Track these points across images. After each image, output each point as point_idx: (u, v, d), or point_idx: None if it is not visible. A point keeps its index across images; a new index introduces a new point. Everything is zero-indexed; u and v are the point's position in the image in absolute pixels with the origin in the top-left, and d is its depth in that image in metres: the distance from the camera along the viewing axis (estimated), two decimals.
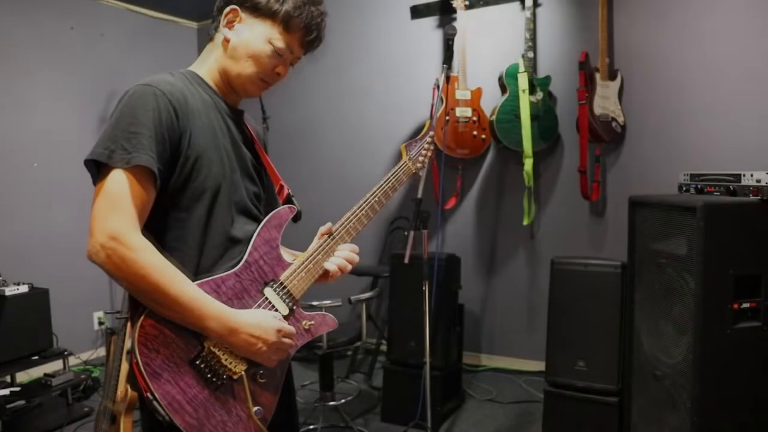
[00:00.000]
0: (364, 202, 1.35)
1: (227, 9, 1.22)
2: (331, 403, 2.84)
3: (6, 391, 2.94)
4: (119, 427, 2.22)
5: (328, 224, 1.32)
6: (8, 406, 2.90)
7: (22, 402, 2.99)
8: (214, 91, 1.25)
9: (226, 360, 1.12)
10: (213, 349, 1.10)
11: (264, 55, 1.21)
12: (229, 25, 1.22)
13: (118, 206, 1.03)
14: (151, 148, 1.06)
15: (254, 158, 1.32)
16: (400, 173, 1.44)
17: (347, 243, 1.34)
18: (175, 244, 1.14)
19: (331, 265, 1.30)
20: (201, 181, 1.15)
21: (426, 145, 1.52)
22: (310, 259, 1.27)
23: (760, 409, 1.90)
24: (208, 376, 1.10)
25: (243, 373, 1.14)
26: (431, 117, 3.17)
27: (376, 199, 1.37)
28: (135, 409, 2.27)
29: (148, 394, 1.04)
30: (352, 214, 1.33)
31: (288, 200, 1.36)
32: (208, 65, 1.26)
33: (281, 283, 1.22)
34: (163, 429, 1.07)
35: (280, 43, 1.22)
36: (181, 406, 1.06)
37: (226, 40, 1.22)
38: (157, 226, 1.13)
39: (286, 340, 1.17)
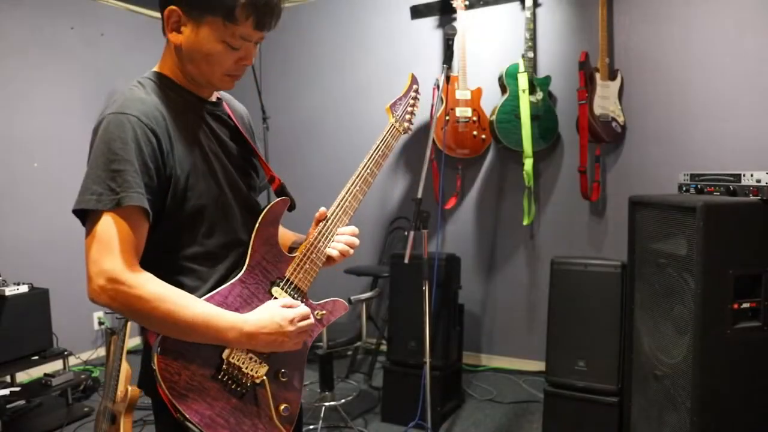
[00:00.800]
0: (357, 177, 1.32)
1: (166, 11, 1.09)
2: (331, 403, 2.84)
3: (6, 391, 2.94)
4: (119, 427, 2.22)
5: (322, 209, 1.29)
6: (8, 406, 2.90)
7: (22, 402, 2.99)
8: (186, 89, 1.18)
9: (246, 368, 1.12)
10: (232, 360, 1.11)
11: (220, 55, 1.11)
12: (174, 26, 1.11)
13: (111, 249, 1.01)
14: (138, 184, 1.02)
15: (242, 148, 1.28)
16: (388, 138, 1.40)
17: (346, 226, 1.31)
18: (188, 263, 1.14)
19: (333, 251, 1.29)
20: (197, 197, 1.13)
21: (411, 101, 1.47)
22: (311, 248, 1.25)
23: (760, 409, 1.90)
24: (233, 386, 1.11)
25: (264, 376, 1.14)
26: (431, 117, 3.17)
27: (368, 171, 1.34)
28: (135, 409, 2.27)
29: (179, 416, 1.04)
30: (346, 192, 1.31)
31: (281, 191, 1.32)
32: (171, 66, 1.17)
33: (287, 280, 1.21)
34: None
35: (232, 39, 1.09)
36: (212, 420, 1.07)
37: (177, 45, 1.12)
38: (167, 250, 1.12)
39: (303, 323, 1.15)
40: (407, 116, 1.47)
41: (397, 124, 1.44)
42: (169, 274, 1.10)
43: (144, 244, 1.07)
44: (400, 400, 2.95)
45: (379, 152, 1.37)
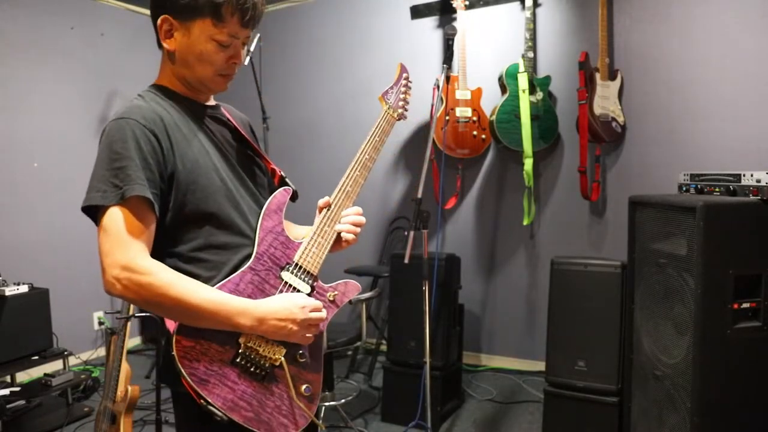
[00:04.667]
0: (356, 163, 1.36)
1: (159, 21, 1.19)
2: (331, 403, 2.84)
3: (6, 391, 2.94)
4: (119, 427, 2.23)
5: (325, 198, 1.33)
6: (8, 406, 2.90)
7: (22, 402, 2.99)
8: (185, 96, 1.25)
9: (264, 351, 1.15)
10: (249, 344, 1.14)
11: (211, 54, 1.19)
12: (167, 35, 1.20)
13: (121, 240, 1.06)
14: (140, 177, 1.08)
15: (244, 147, 1.34)
16: (383, 124, 1.44)
17: (350, 207, 1.35)
18: (199, 254, 1.18)
19: (339, 228, 1.32)
20: (201, 190, 1.17)
21: (403, 89, 1.51)
22: (317, 232, 1.29)
23: (760, 409, 1.90)
24: (252, 369, 1.14)
25: (282, 358, 1.17)
26: (431, 117, 3.17)
27: (367, 156, 1.38)
28: (135, 408, 2.27)
29: (202, 401, 1.07)
30: (347, 177, 1.34)
31: (282, 182, 1.38)
32: (168, 76, 1.26)
33: (296, 264, 1.24)
34: (204, 422, 1.10)
35: (221, 36, 1.18)
36: (235, 404, 1.10)
37: (171, 51, 1.21)
38: (178, 243, 1.17)
39: (314, 314, 1.19)
40: (401, 103, 1.51)
41: (391, 111, 1.48)
42: (184, 266, 1.15)
43: (153, 235, 1.12)
44: (400, 400, 2.95)
45: (376, 137, 1.41)
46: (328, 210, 1.31)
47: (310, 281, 1.25)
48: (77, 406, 3.15)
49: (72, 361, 3.69)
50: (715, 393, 1.86)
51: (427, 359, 2.50)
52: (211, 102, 1.32)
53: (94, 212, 1.10)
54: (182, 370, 1.06)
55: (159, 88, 1.25)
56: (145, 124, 1.12)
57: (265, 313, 1.13)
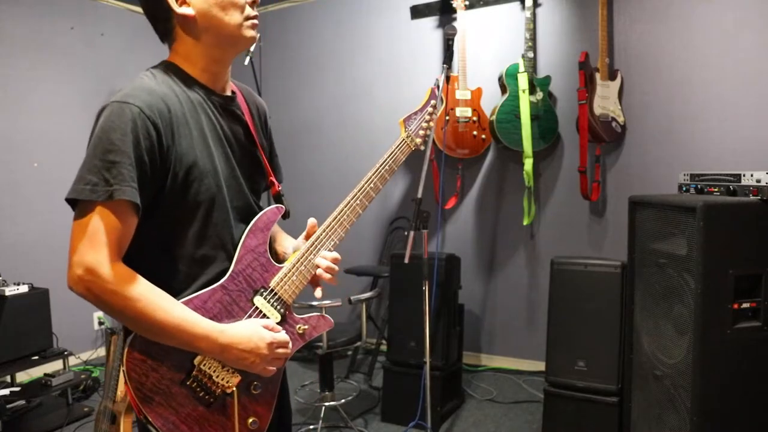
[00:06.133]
0: (359, 191, 1.28)
1: None
2: (331, 403, 2.84)
3: (6, 391, 2.94)
4: (119, 427, 2.22)
5: (312, 221, 1.26)
6: (8, 406, 2.90)
7: (22, 402, 2.99)
8: (199, 82, 1.17)
9: (218, 377, 1.11)
10: (203, 367, 1.09)
11: None
12: (180, 2, 1.11)
13: (96, 240, 1.00)
14: (132, 178, 1.01)
15: (251, 147, 1.26)
16: (398, 153, 1.34)
17: (330, 251, 1.26)
18: (176, 263, 1.12)
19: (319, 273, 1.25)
20: (194, 195, 1.10)
21: (427, 117, 1.40)
22: (300, 260, 1.22)
23: (760, 409, 1.90)
24: (201, 394, 1.10)
25: (236, 388, 1.13)
26: None
27: (372, 185, 1.29)
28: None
29: (142, 417, 1.04)
30: (346, 206, 1.27)
31: (277, 198, 1.30)
32: (186, 55, 1.16)
33: (271, 290, 1.19)
34: None
35: None
36: (176, 426, 1.06)
37: (190, 17, 1.11)
38: (158, 247, 1.11)
39: (280, 350, 1.14)
40: (421, 131, 1.40)
41: (409, 140, 1.38)
42: (157, 271, 1.08)
43: (130, 238, 1.06)
44: (400, 400, 2.95)
45: (386, 167, 1.32)
46: (318, 237, 1.23)
47: (283, 310, 1.19)
48: (77, 406, 3.15)
49: (72, 361, 3.69)
50: (715, 393, 1.86)
51: (427, 359, 2.50)
52: (228, 92, 1.23)
53: (76, 200, 1.03)
54: (128, 383, 1.02)
55: (174, 68, 1.15)
56: (149, 115, 1.03)
57: (229, 341, 1.07)
